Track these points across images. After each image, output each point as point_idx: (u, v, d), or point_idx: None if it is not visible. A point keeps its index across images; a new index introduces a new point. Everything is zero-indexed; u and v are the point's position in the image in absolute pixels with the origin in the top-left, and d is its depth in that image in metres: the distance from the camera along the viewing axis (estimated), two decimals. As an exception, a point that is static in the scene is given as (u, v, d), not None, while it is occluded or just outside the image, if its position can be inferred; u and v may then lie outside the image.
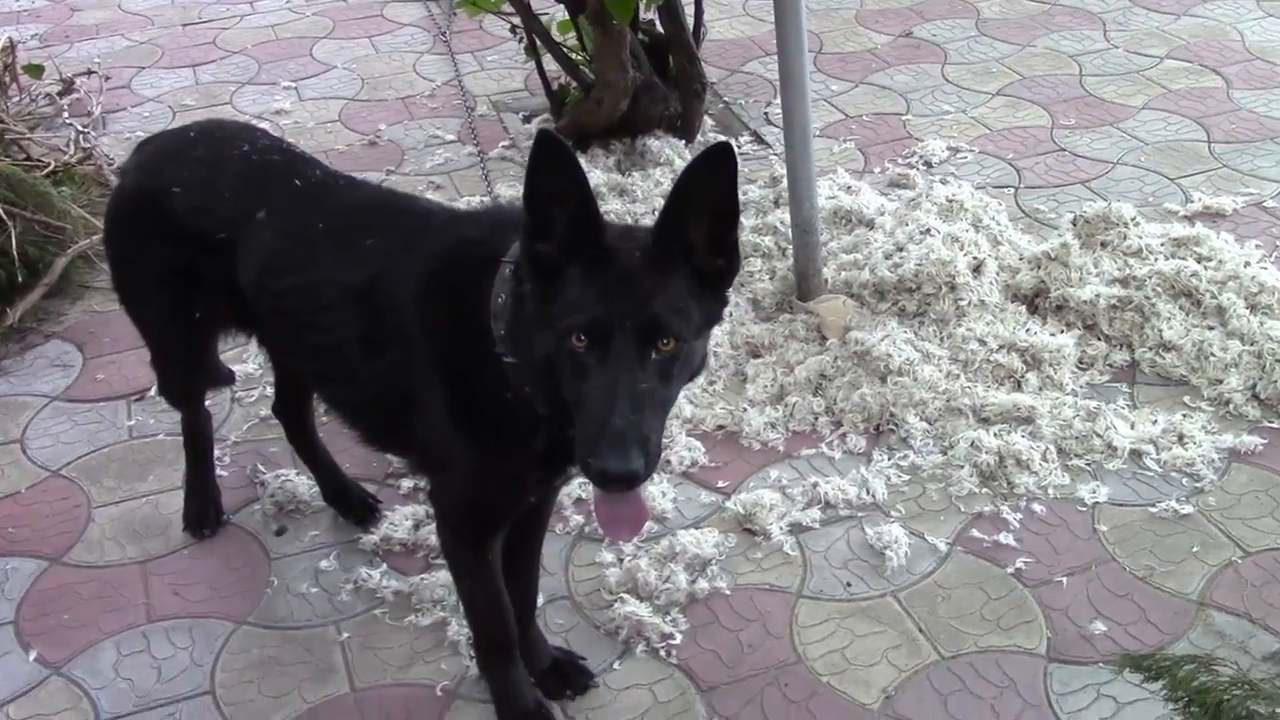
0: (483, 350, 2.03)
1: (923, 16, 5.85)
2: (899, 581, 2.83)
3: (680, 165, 4.40)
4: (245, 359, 3.60)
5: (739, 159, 1.89)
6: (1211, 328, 3.45)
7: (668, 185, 4.23)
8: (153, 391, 3.43)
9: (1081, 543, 2.90)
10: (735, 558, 2.91)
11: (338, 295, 2.27)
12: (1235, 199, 4.18)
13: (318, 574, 2.91)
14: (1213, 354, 3.36)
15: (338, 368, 2.34)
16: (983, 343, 3.43)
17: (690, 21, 4.62)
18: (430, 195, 4.13)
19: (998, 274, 3.65)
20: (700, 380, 3.14)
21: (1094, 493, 3.03)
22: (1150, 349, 3.45)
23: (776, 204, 4.17)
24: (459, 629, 2.69)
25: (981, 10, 5.87)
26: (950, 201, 3.88)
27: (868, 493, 3.06)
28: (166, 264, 2.59)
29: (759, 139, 4.81)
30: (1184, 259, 3.63)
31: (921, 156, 4.58)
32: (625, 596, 2.77)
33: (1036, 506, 3.00)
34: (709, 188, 1.85)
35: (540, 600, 2.68)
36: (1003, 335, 3.46)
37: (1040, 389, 3.35)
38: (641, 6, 4.52)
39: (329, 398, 2.53)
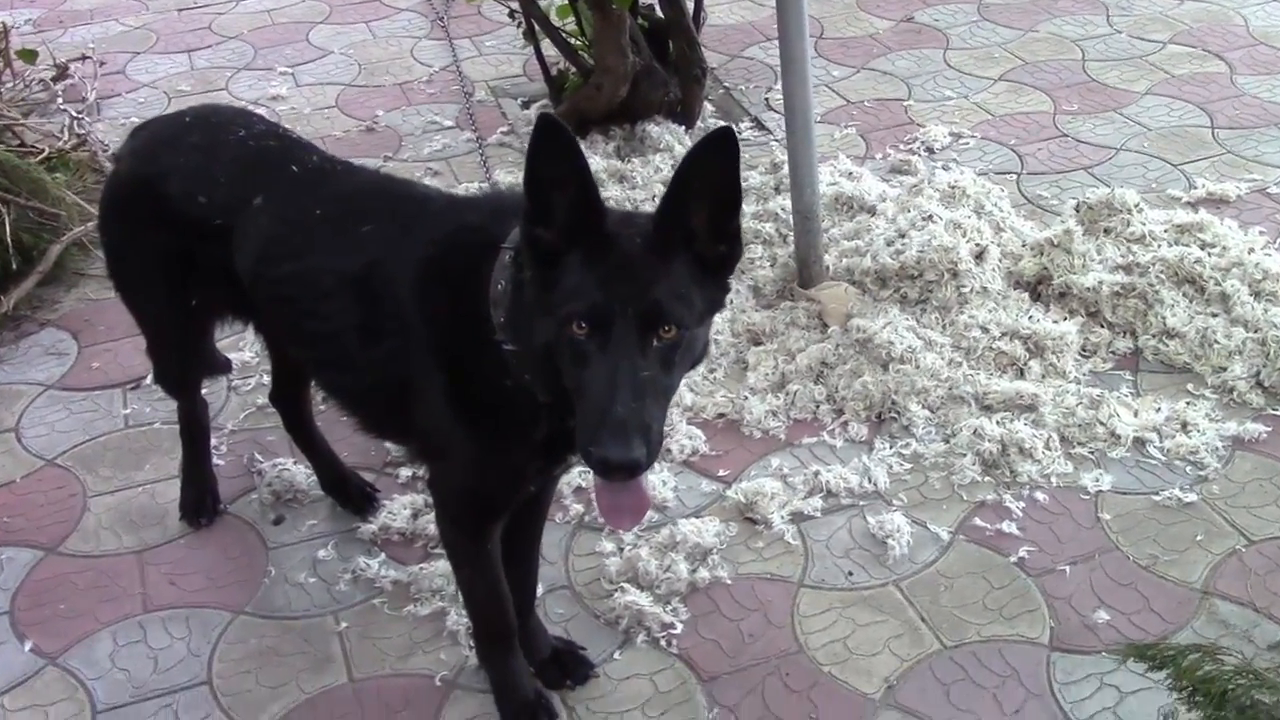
0: (482, 337, 2.02)
1: (924, 1, 5.81)
2: (901, 570, 2.81)
3: (680, 151, 4.38)
4: (242, 346, 3.58)
5: (740, 145, 1.86)
6: (1215, 315, 3.43)
7: (668, 171, 4.23)
8: (148, 380, 3.41)
9: (1085, 531, 2.89)
10: (736, 547, 2.89)
11: (335, 282, 2.25)
12: (1239, 185, 4.17)
13: (315, 563, 2.90)
14: (1216, 341, 3.35)
15: (336, 355, 2.32)
16: (985, 330, 3.41)
17: (690, 6, 4.60)
18: (428, 181, 4.10)
19: (1000, 261, 3.62)
20: (701, 368, 3.12)
21: (1097, 481, 3.01)
22: (1154, 336, 3.43)
23: (777, 190, 4.15)
24: (458, 619, 2.68)
25: (983, -5, 5.85)
26: (952, 188, 3.85)
27: (869, 481, 3.05)
28: (162, 251, 2.57)
29: (760, 125, 4.78)
30: (1187, 245, 3.61)
31: (923, 142, 4.56)
32: (626, 586, 2.76)
33: (1039, 495, 2.99)
34: (710, 173, 1.83)
35: (540, 590, 2.67)
36: (1005, 323, 3.44)
37: (1043, 377, 3.33)
38: (641, -9, 4.50)
39: (327, 385, 2.52)
